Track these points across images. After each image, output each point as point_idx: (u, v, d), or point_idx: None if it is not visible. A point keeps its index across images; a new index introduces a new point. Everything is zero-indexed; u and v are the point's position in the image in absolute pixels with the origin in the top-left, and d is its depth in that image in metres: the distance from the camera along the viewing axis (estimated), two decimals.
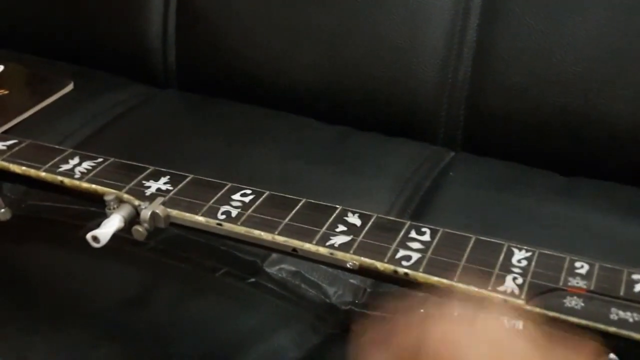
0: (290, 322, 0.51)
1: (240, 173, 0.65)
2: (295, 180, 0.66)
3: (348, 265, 0.40)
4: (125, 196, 0.44)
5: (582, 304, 0.36)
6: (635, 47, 0.65)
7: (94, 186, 0.45)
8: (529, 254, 0.40)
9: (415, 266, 0.39)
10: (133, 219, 0.43)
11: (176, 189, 0.44)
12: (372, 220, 0.43)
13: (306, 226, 0.42)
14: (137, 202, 0.43)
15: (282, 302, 0.53)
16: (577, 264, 0.38)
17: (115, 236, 0.42)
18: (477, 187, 0.67)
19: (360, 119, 0.78)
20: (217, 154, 0.70)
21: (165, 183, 0.45)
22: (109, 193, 0.44)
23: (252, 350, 0.49)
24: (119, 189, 0.44)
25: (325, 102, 0.79)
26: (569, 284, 0.37)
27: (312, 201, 0.44)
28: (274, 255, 0.56)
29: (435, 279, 0.38)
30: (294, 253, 0.41)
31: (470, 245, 0.40)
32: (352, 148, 0.74)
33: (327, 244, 0.41)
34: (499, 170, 0.70)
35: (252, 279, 0.54)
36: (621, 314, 0.36)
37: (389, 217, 0.43)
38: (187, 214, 0.42)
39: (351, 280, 0.56)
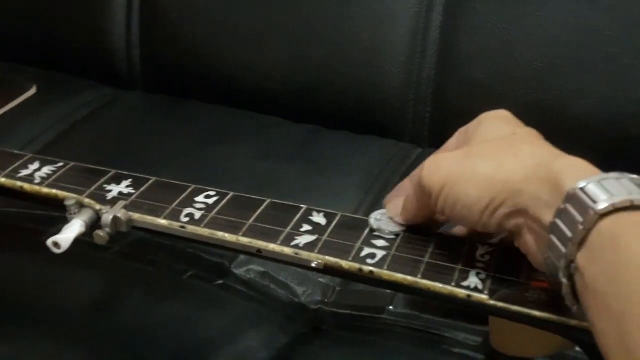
0: (259, 323, 0.51)
1: (207, 174, 0.64)
2: (263, 181, 0.66)
3: (313, 265, 0.40)
4: (87, 201, 0.43)
5: (545, 298, 0.37)
6: (595, 41, 0.66)
7: (54, 191, 0.45)
8: (492, 249, 0.40)
9: (380, 264, 0.39)
10: (95, 224, 0.42)
11: (138, 192, 0.44)
12: (337, 219, 0.43)
13: (271, 227, 0.42)
14: (98, 207, 0.43)
15: (251, 303, 0.53)
16: None
17: (81, 241, 0.42)
18: None
19: (327, 117, 0.78)
20: (183, 156, 0.70)
21: (127, 186, 0.44)
22: (70, 198, 0.43)
23: (221, 353, 0.49)
24: (80, 193, 0.44)
25: (292, 102, 0.79)
26: (532, 278, 0.38)
27: (277, 201, 0.44)
28: (242, 257, 0.55)
29: (399, 276, 0.38)
30: (258, 254, 0.41)
31: (434, 242, 0.41)
32: (320, 147, 0.74)
33: (292, 244, 0.40)
34: None
35: (220, 281, 0.54)
36: None
37: (353, 216, 0.43)
38: (150, 218, 0.42)
39: (320, 280, 0.55)
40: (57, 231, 0.41)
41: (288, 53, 0.77)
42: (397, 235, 0.40)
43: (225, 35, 0.80)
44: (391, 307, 0.51)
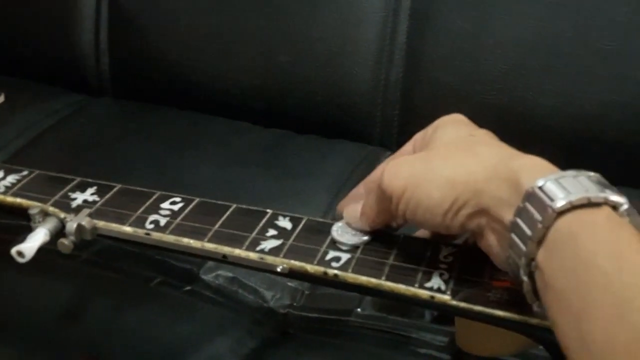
0: (227, 329, 0.51)
1: (175, 181, 0.65)
2: (232, 186, 0.66)
3: (278, 269, 0.40)
4: (51, 209, 0.43)
5: (507, 297, 0.37)
6: (557, 43, 0.68)
7: (18, 200, 0.44)
8: (455, 250, 0.40)
9: (344, 267, 0.40)
10: (59, 232, 0.42)
11: (103, 200, 0.44)
12: (302, 223, 0.43)
13: (236, 232, 0.42)
14: (62, 215, 0.42)
15: (219, 308, 0.53)
16: None
17: (48, 249, 0.41)
18: None
19: (297, 122, 0.78)
20: (152, 162, 0.70)
21: (92, 194, 0.44)
22: (34, 206, 0.43)
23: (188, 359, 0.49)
24: (44, 202, 0.44)
25: (261, 107, 0.79)
26: (494, 277, 0.38)
27: (243, 206, 0.44)
28: (210, 263, 0.55)
29: (363, 278, 0.39)
30: (224, 260, 0.41)
31: (398, 244, 0.41)
32: (289, 151, 0.74)
33: (257, 248, 0.41)
34: None
35: (188, 287, 0.54)
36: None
37: (319, 220, 0.43)
38: (114, 225, 0.42)
39: (289, 284, 0.56)
40: (23, 240, 0.41)
41: (256, 58, 0.78)
42: (357, 247, 0.41)
43: (194, 41, 0.80)
44: (359, 310, 0.52)
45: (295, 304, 0.54)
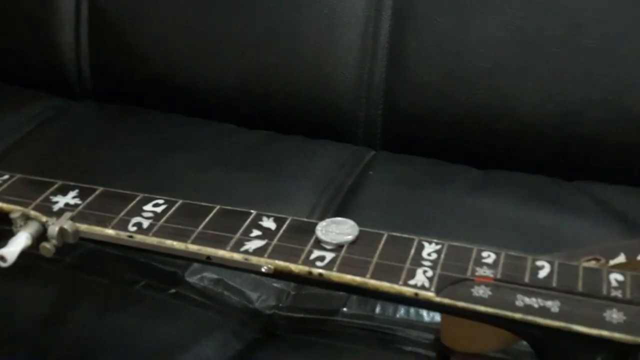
0: (213, 331, 0.51)
1: (159, 184, 0.64)
2: (217, 188, 0.66)
3: (263, 270, 0.40)
4: (32, 213, 0.43)
5: (490, 293, 0.37)
6: (538, 41, 0.68)
7: None
8: (438, 246, 0.41)
9: (329, 266, 0.39)
10: (41, 236, 0.42)
11: (85, 203, 0.43)
12: (286, 223, 0.43)
13: (220, 233, 0.41)
14: (44, 219, 0.42)
15: (204, 310, 0.53)
16: (484, 254, 0.40)
17: (30, 254, 0.41)
18: (397, 184, 0.69)
19: (281, 123, 0.78)
20: (136, 165, 0.69)
21: (73, 197, 0.44)
22: (15, 211, 0.42)
23: None
24: (26, 205, 0.43)
25: (245, 108, 0.79)
26: (477, 273, 0.38)
27: (226, 207, 0.44)
28: (195, 265, 0.55)
29: (348, 277, 0.39)
30: (208, 261, 0.41)
31: (383, 241, 0.41)
32: (274, 152, 0.74)
33: (242, 249, 0.40)
34: (418, 167, 0.72)
35: (173, 290, 0.54)
36: (527, 300, 0.37)
37: (304, 219, 0.43)
38: (97, 228, 0.41)
39: (275, 285, 0.56)
40: (5, 244, 0.41)
41: (240, 59, 0.78)
42: (342, 246, 0.41)
43: (177, 42, 0.79)
44: (345, 309, 0.52)
45: (281, 304, 0.54)
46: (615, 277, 0.38)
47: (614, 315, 0.35)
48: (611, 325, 0.35)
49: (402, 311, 0.51)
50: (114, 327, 0.51)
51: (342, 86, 0.75)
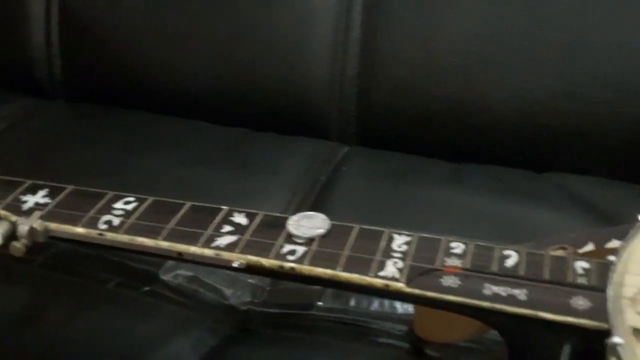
0: (188, 328, 0.51)
1: (131, 183, 0.63)
2: (190, 186, 0.65)
3: (235, 265, 0.40)
4: (2, 212, 0.42)
5: (459, 282, 0.38)
6: (507, 35, 0.69)
7: None
8: (408, 238, 0.41)
9: (300, 260, 0.40)
10: (11, 235, 0.42)
11: (55, 202, 0.43)
12: (258, 218, 0.43)
13: (191, 229, 0.42)
14: (14, 218, 0.42)
15: (179, 308, 0.53)
16: (453, 245, 0.40)
17: (4, 254, 0.41)
18: (371, 179, 0.69)
19: (255, 120, 0.78)
20: (107, 165, 0.69)
21: (43, 196, 0.44)
22: None
23: None
24: None
25: (218, 105, 0.79)
26: (446, 264, 0.39)
27: (198, 204, 0.44)
28: (170, 262, 0.55)
29: (319, 270, 0.39)
30: (179, 257, 0.41)
31: (354, 234, 0.42)
32: (248, 150, 0.74)
33: (213, 245, 0.41)
34: (391, 162, 0.72)
35: (147, 288, 0.53)
36: (494, 288, 0.38)
37: (275, 214, 0.44)
38: (67, 226, 0.41)
39: (250, 280, 0.56)
40: None
41: (212, 56, 0.77)
42: (313, 239, 0.41)
43: (148, 40, 0.79)
44: (320, 303, 0.52)
45: (256, 300, 0.54)
46: (581, 264, 0.39)
47: (580, 301, 0.36)
48: (577, 312, 0.36)
49: (376, 304, 0.52)
50: (88, 326, 0.51)
51: (314, 82, 0.76)
